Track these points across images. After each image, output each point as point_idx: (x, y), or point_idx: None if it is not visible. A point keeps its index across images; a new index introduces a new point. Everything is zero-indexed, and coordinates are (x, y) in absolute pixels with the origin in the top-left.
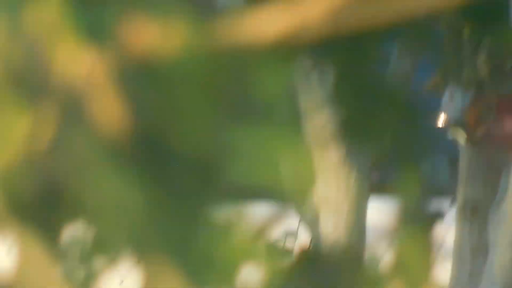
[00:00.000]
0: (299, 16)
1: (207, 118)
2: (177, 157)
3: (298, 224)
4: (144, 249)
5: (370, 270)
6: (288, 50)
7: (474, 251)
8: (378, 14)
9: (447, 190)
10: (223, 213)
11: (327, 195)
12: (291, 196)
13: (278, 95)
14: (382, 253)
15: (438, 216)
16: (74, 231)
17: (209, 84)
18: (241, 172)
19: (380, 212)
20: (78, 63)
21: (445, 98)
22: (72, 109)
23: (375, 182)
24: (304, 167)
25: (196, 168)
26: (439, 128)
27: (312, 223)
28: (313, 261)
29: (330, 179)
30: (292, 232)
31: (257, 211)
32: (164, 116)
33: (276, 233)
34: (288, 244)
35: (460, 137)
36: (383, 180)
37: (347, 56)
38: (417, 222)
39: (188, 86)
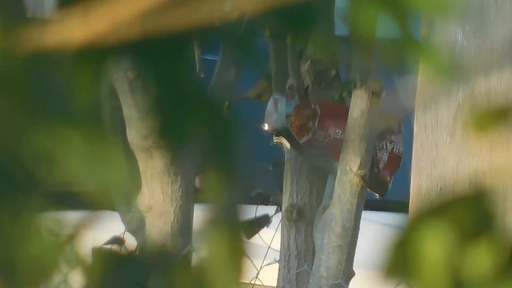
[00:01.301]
0: (108, 19)
1: (17, 123)
2: None
3: (124, 230)
4: None
5: (192, 272)
6: (102, 57)
7: (301, 254)
8: (193, 18)
9: (273, 196)
10: (38, 219)
11: (152, 202)
12: (113, 203)
13: (93, 101)
14: (204, 256)
15: (264, 221)
16: None
17: (17, 89)
18: (58, 180)
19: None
20: None
21: (269, 105)
22: None
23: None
24: (124, 175)
25: (7, 175)
26: (263, 135)
27: (138, 229)
28: (138, 263)
29: (155, 186)
30: (118, 238)
31: (76, 219)
32: None
33: (102, 239)
34: (114, 248)
35: (285, 144)
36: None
37: (168, 64)
38: (234, 227)
39: None
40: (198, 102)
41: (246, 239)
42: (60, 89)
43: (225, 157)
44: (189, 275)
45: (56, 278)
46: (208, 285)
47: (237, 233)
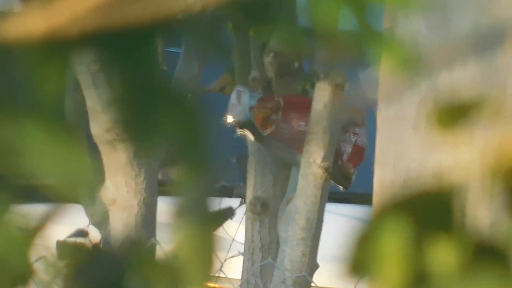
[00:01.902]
0: (69, 10)
1: None
2: None
3: (88, 223)
4: None
5: (157, 264)
6: (65, 49)
7: (265, 247)
8: (156, 10)
9: (237, 189)
10: (2, 213)
11: (116, 195)
12: (77, 196)
13: (56, 94)
14: (170, 249)
15: (228, 214)
16: None
17: None
18: (22, 173)
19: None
20: None
21: (233, 98)
22: None
23: (166, 181)
24: (87, 168)
25: None
26: (227, 128)
27: (102, 222)
28: (103, 256)
29: (119, 179)
30: (83, 230)
31: (41, 212)
32: None
33: (66, 232)
34: (79, 241)
35: (248, 136)
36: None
37: (131, 56)
38: (203, 220)
39: None
40: (162, 94)
41: (214, 233)
42: (22, 82)
43: (191, 150)
44: (155, 268)
45: (24, 274)
46: (177, 278)
47: (206, 226)
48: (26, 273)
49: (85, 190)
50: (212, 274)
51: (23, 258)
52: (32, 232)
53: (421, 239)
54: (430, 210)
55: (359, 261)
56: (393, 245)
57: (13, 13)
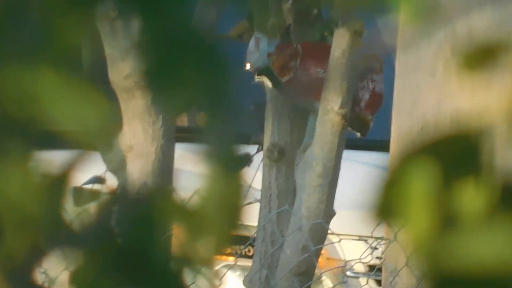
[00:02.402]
0: None
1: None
2: None
3: (105, 170)
4: None
5: (178, 209)
6: None
7: (282, 194)
8: None
9: (254, 136)
10: (23, 161)
11: (133, 142)
12: (94, 142)
13: (77, 41)
14: (191, 195)
15: (245, 160)
16: None
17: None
18: (40, 120)
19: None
20: None
21: (251, 45)
22: None
23: (190, 128)
24: (105, 115)
25: None
26: (245, 74)
27: (119, 169)
28: (120, 201)
29: (136, 126)
30: (99, 177)
31: (59, 159)
32: None
33: (83, 179)
34: (96, 188)
35: (266, 83)
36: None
37: (149, 3)
38: (225, 167)
39: None
40: (184, 40)
41: (239, 179)
42: (42, 28)
43: (213, 96)
44: (177, 213)
45: (46, 221)
46: (201, 225)
47: (234, 173)
48: (48, 219)
49: (102, 136)
50: (238, 222)
51: (45, 205)
52: (53, 179)
53: (444, 183)
54: (451, 154)
55: (380, 208)
56: (417, 190)
57: None
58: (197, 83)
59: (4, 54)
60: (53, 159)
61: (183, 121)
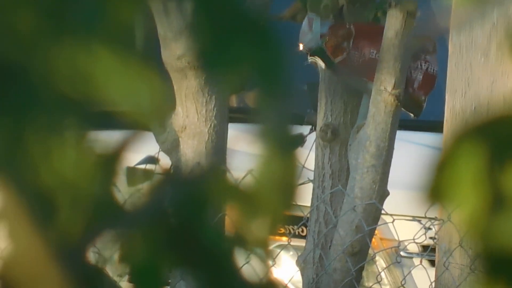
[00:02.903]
0: None
1: (50, 41)
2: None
3: (159, 150)
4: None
5: (232, 189)
6: None
7: (335, 174)
8: None
9: (307, 116)
10: (77, 140)
11: (187, 122)
12: (148, 122)
13: (131, 21)
14: (244, 175)
15: (298, 140)
16: None
17: (49, 5)
18: (94, 99)
19: (247, 138)
20: None
21: (304, 25)
22: None
23: (241, 109)
24: (158, 95)
25: (42, 95)
26: (298, 55)
27: (172, 149)
28: (173, 181)
29: (189, 106)
30: (153, 157)
31: (114, 138)
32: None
33: (137, 158)
34: (149, 168)
35: (319, 64)
36: (247, 107)
37: None
38: (279, 146)
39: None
40: (237, 20)
41: (296, 160)
42: (96, 7)
43: (267, 76)
44: (231, 193)
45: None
46: (255, 205)
47: (289, 152)
48: (102, 199)
49: (156, 116)
50: (292, 202)
51: (99, 184)
52: (109, 158)
53: (496, 164)
54: (504, 135)
55: (433, 188)
56: (470, 171)
57: None
58: (251, 63)
59: (59, 32)
60: (107, 139)
61: (236, 101)
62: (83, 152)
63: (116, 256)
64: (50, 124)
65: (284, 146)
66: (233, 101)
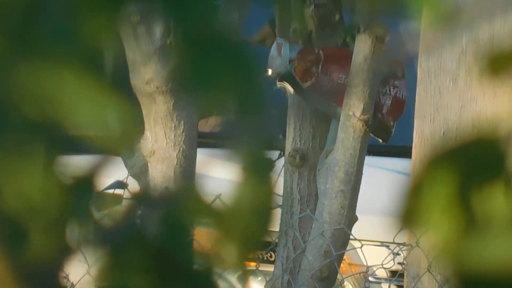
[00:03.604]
0: None
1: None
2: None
3: (127, 175)
4: None
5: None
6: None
7: (304, 199)
8: None
9: (276, 141)
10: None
11: (155, 146)
12: (116, 148)
13: (100, 46)
14: (213, 200)
15: (268, 165)
16: None
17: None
18: (63, 124)
19: (217, 162)
20: None
21: (273, 50)
22: None
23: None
24: (127, 120)
25: (10, 119)
26: (266, 79)
27: (141, 174)
28: (144, 203)
29: (158, 131)
30: (121, 182)
31: (81, 163)
32: None
33: (105, 183)
34: (118, 192)
35: (288, 89)
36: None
37: (174, 7)
38: (253, 171)
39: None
40: (212, 42)
41: (271, 184)
42: (65, 30)
43: (242, 99)
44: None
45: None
46: (230, 230)
47: (264, 176)
48: (73, 223)
49: (124, 141)
50: (267, 227)
51: (69, 208)
52: (76, 182)
53: (466, 189)
54: (473, 160)
55: (402, 214)
56: (439, 196)
57: None
58: (223, 86)
59: (27, 55)
60: (75, 163)
61: (205, 126)
62: (51, 176)
63: (84, 280)
64: (17, 147)
65: (257, 170)
66: (203, 126)
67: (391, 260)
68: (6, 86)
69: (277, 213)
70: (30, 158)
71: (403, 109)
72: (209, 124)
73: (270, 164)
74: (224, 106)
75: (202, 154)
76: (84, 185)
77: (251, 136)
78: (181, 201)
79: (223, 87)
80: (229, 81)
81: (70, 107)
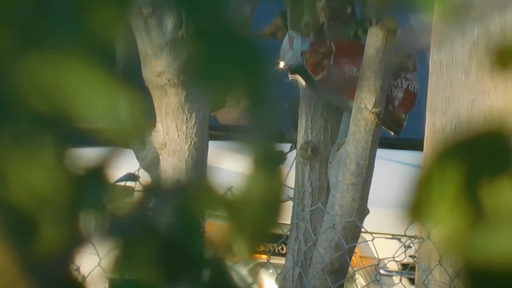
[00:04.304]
0: None
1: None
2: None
3: (139, 168)
4: None
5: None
6: None
7: (315, 192)
8: None
9: (288, 133)
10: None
11: (167, 139)
12: (128, 140)
13: (110, 38)
14: (225, 192)
15: (280, 158)
16: None
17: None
18: (73, 117)
19: (229, 155)
20: None
21: (285, 43)
22: None
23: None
24: (136, 112)
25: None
26: (279, 72)
27: (152, 166)
28: (154, 196)
29: (169, 124)
30: (133, 174)
31: (92, 155)
32: None
33: (116, 175)
34: (129, 184)
35: (300, 81)
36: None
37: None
38: (264, 163)
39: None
40: (223, 35)
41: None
42: (76, 22)
43: (253, 92)
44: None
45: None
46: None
47: (274, 169)
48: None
49: (135, 134)
50: (277, 219)
51: (80, 200)
52: (87, 174)
53: (477, 181)
54: (484, 153)
55: (413, 206)
56: (450, 188)
57: None
58: (234, 79)
59: (37, 48)
60: (86, 155)
61: (217, 118)
62: (61, 168)
63: (95, 273)
64: (27, 140)
65: (268, 163)
66: (218, 118)
67: (403, 253)
68: (15, 78)
69: (288, 205)
70: (40, 151)
71: (414, 101)
72: (221, 116)
73: (281, 157)
74: (234, 99)
75: (213, 147)
76: (95, 177)
77: (262, 129)
78: (192, 193)
79: (233, 80)
80: (239, 74)
81: (79, 99)
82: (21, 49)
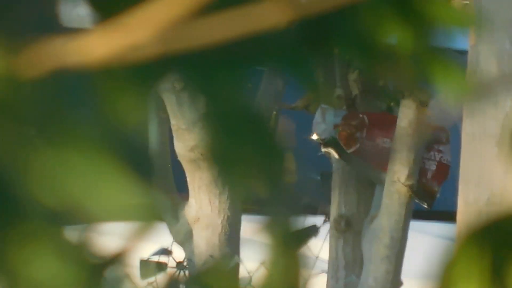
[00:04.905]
0: (127, 37)
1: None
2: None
3: (172, 242)
4: None
5: (243, 283)
6: (144, 71)
7: (349, 264)
8: (234, 28)
9: (321, 206)
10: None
11: (200, 213)
12: (158, 215)
13: (135, 119)
14: (257, 268)
15: (312, 231)
16: None
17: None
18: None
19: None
20: None
21: (317, 116)
22: None
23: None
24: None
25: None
26: (311, 145)
27: (186, 240)
28: (187, 274)
29: (202, 197)
30: (166, 249)
31: (125, 231)
32: None
33: (150, 250)
34: (162, 260)
35: (333, 154)
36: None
37: (215, 78)
38: (290, 238)
39: None
40: (245, 114)
41: (301, 252)
42: (89, 108)
43: (274, 172)
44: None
45: None
46: None
47: (293, 244)
48: None
49: (168, 209)
50: None
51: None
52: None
53: (505, 262)
54: None
55: (444, 281)
56: (483, 264)
57: (85, 32)
58: (260, 157)
59: (61, 138)
60: (119, 231)
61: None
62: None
63: None
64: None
65: (291, 239)
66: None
67: None
68: (29, 173)
69: (323, 278)
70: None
71: (447, 174)
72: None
73: (311, 232)
74: (255, 185)
75: (248, 221)
76: (114, 266)
77: (290, 204)
78: (223, 271)
79: (251, 167)
80: (258, 157)
81: (92, 195)
82: (36, 142)
